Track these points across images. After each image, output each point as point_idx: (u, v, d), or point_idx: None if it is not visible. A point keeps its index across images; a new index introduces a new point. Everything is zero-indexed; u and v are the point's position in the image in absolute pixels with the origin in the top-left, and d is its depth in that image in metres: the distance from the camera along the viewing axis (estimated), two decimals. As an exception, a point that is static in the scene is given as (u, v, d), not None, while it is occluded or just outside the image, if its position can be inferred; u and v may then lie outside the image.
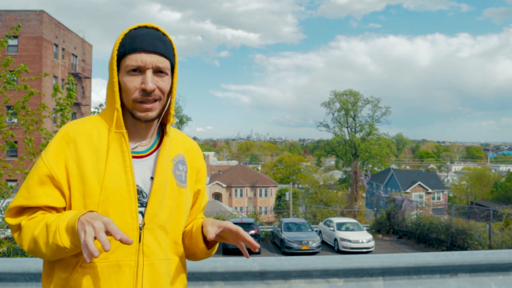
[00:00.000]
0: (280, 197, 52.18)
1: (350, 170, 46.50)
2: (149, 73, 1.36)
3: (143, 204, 1.40)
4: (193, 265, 3.10)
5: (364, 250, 19.04)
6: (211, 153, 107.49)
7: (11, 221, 1.38)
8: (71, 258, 1.34)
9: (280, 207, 46.24)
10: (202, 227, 1.50)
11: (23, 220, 1.36)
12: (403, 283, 3.37)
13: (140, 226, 1.38)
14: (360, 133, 56.30)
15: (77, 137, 1.39)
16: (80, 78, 39.14)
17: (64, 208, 1.38)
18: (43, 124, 5.73)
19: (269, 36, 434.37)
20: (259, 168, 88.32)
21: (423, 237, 21.59)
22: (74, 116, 35.84)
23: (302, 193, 52.42)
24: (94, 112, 5.97)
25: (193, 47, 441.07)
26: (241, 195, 54.79)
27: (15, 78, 5.60)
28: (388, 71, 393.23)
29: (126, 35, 1.39)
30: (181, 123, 60.32)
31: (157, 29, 1.41)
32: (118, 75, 1.40)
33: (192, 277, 3.15)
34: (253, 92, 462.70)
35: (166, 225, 1.43)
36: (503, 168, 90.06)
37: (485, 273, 3.47)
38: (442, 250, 19.19)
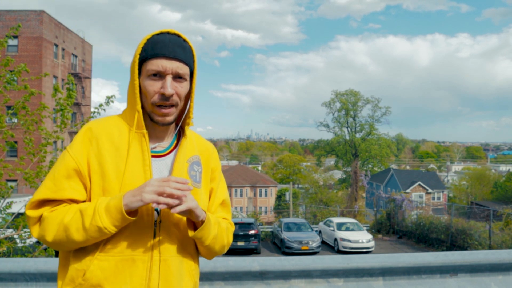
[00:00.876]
0: (280, 197, 52.17)
1: (350, 170, 46.52)
2: (168, 78, 1.42)
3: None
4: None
5: (364, 250, 19.04)
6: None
7: (33, 213, 1.41)
8: (87, 251, 1.39)
9: (280, 207, 46.23)
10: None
11: (45, 211, 1.40)
12: (403, 283, 3.37)
13: (156, 223, 1.43)
14: (360, 133, 56.30)
15: (100, 135, 1.45)
16: (80, 78, 39.14)
17: (84, 201, 1.43)
18: (43, 124, 5.73)
19: (269, 36, 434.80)
20: (259, 168, 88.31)
21: (423, 237, 21.59)
22: (74, 116, 35.87)
23: (302, 193, 52.43)
24: (94, 112, 5.97)
25: (193, 47, 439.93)
26: (241, 195, 54.79)
27: (15, 78, 5.60)
28: (388, 71, 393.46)
29: (148, 40, 1.44)
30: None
31: (178, 36, 1.47)
32: (139, 78, 1.46)
33: (192, 277, 3.15)
34: (253, 92, 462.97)
35: (180, 223, 1.48)
36: (503, 168, 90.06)
37: (485, 273, 3.47)
38: (442, 250, 19.19)
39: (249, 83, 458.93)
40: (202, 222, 1.46)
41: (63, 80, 36.41)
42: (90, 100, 41.97)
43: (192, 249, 1.55)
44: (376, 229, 25.28)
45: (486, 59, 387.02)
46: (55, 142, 5.63)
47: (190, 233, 1.46)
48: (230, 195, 54.62)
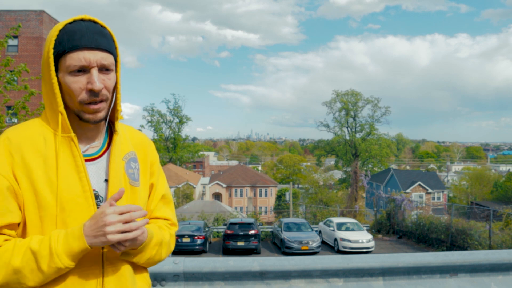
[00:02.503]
0: (280, 197, 52.17)
1: (350, 170, 46.49)
2: (94, 72, 1.27)
3: None
4: (193, 265, 3.10)
5: (364, 250, 19.04)
6: (211, 153, 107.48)
7: None
8: None
9: (280, 207, 46.24)
10: None
11: None
12: (403, 283, 3.37)
13: None
14: (360, 133, 56.33)
15: (21, 144, 1.28)
16: (80, 78, 39.17)
17: (18, 224, 1.28)
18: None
19: (269, 36, 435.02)
20: (259, 168, 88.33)
21: (423, 237, 21.58)
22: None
23: (302, 193, 52.45)
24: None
25: (193, 47, 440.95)
26: (241, 195, 54.77)
27: (15, 78, 5.60)
28: (388, 71, 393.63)
29: (61, 30, 1.27)
30: (181, 123, 60.34)
31: (95, 22, 1.31)
32: (57, 75, 1.30)
33: (192, 277, 3.15)
34: (253, 92, 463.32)
35: None
36: (503, 168, 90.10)
37: (485, 273, 3.47)
38: (442, 250, 19.19)
39: (249, 83, 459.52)
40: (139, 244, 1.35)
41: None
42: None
43: None
44: (376, 229, 25.28)
45: (486, 59, 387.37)
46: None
47: (124, 255, 1.36)
48: (230, 195, 54.63)
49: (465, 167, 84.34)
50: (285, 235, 19.21)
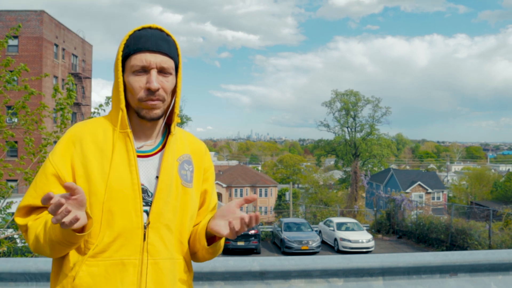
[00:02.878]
0: (280, 197, 52.15)
1: (350, 170, 46.49)
2: (153, 72, 1.37)
3: (148, 203, 1.41)
4: (193, 265, 3.10)
5: (364, 250, 19.04)
6: (211, 153, 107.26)
7: (20, 221, 1.40)
8: (76, 256, 1.36)
9: (280, 207, 46.20)
10: (208, 223, 1.49)
11: (30, 220, 1.39)
12: (403, 283, 3.37)
13: (145, 225, 1.39)
14: (360, 133, 56.28)
15: (83, 137, 1.41)
16: (80, 78, 39.13)
17: None
18: (43, 124, 5.73)
19: (270, 37, 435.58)
20: (259, 168, 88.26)
21: (423, 237, 21.58)
22: (74, 116, 35.87)
23: (302, 193, 52.42)
24: (94, 112, 5.97)
25: (194, 48, 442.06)
26: (241, 195, 54.75)
27: (15, 78, 5.60)
28: (387, 72, 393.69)
29: (130, 36, 1.41)
30: (181, 123, 60.39)
31: (161, 30, 1.43)
32: (123, 76, 1.42)
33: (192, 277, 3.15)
34: (253, 92, 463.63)
35: (171, 224, 1.44)
36: (503, 168, 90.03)
37: (485, 273, 3.47)
38: (442, 250, 19.18)
39: (249, 83, 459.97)
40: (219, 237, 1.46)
41: (63, 80, 36.40)
42: (90, 100, 41.94)
43: (184, 250, 1.50)
44: (376, 229, 25.28)
45: (484, 60, 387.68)
46: (55, 142, 5.62)
47: (203, 241, 1.47)
48: (230, 195, 54.71)
49: (465, 167, 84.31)
50: (285, 235, 19.21)
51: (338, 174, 66.23)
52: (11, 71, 5.60)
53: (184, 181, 1.48)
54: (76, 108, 37.61)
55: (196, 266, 3.13)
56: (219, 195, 55.08)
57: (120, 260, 1.35)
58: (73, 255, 1.36)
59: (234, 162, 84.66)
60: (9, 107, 6.06)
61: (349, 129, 56.82)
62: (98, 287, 1.33)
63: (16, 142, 5.90)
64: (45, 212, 1.39)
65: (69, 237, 1.27)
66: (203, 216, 1.59)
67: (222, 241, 1.53)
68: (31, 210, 1.41)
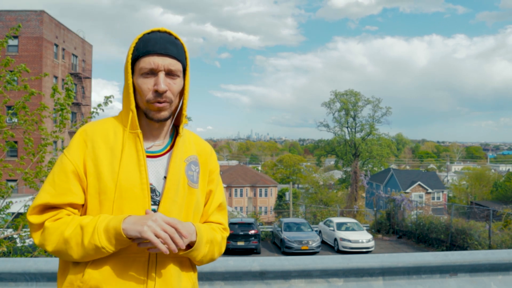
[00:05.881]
0: (280, 197, 52.15)
1: (350, 170, 46.48)
2: (161, 75, 1.41)
3: (156, 203, 1.45)
4: (193, 265, 3.10)
5: (364, 250, 19.04)
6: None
7: (35, 219, 1.40)
8: None
9: (280, 207, 46.20)
10: None
11: (47, 220, 1.39)
12: (403, 283, 3.37)
13: None
14: (360, 133, 56.25)
15: (95, 136, 1.44)
16: (80, 78, 39.13)
17: (82, 206, 1.43)
18: (43, 124, 5.72)
19: (270, 38, 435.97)
20: (259, 168, 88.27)
21: (423, 237, 21.58)
22: (73, 116, 35.85)
23: (302, 193, 52.44)
24: (93, 112, 5.96)
25: (194, 48, 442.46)
26: (241, 195, 54.75)
27: (15, 78, 5.60)
28: (386, 72, 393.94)
29: (140, 39, 1.44)
30: (181, 123, 60.22)
31: (169, 33, 1.47)
32: (132, 78, 1.45)
33: (192, 277, 3.15)
34: (253, 92, 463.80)
35: None
36: (503, 168, 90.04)
37: (485, 273, 3.47)
38: (442, 250, 19.18)
39: (249, 83, 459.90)
40: (193, 243, 1.43)
41: (63, 80, 36.38)
42: (90, 100, 41.93)
43: None
44: (376, 229, 25.27)
45: (483, 60, 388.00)
46: (55, 142, 5.63)
47: (180, 251, 1.43)
48: (230, 195, 54.64)
49: (465, 167, 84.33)
50: (285, 235, 19.21)
51: (338, 174, 66.23)
52: (11, 71, 5.60)
53: (190, 181, 1.52)
54: (76, 108, 37.61)
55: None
56: (219, 195, 54.95)
57: (128, 257, 1.38)
58: None
59: (234, 162, 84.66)
60: (9, 107, 6.06)
61: (349, 129, 56.79)
62: (106, 282, 1.36)
63: (16, 142, 5.89)
64: (65, 213, 1.39)
65: (119, 244, 1.32)
66: (206, 215, 1.62)
67: (198, 251, 1.47)
68: (44, 209, 1.41)
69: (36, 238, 1.40)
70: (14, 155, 19.04)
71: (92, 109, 5.93)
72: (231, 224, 19.05)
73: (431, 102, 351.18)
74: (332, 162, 76.41)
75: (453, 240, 19.25)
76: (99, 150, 1.42)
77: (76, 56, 40.06)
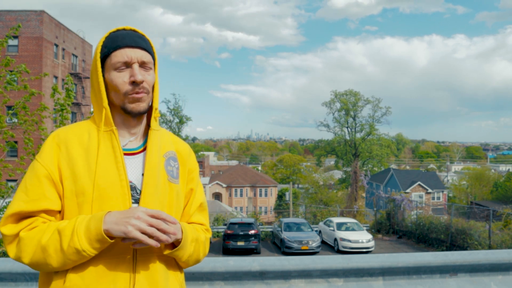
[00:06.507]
0: (280, 197, 52.15)
1: (350, 170, 46.45)
2: (135, 66, 1.40)
3: (137, 201, 1.40)
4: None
5: (364, 250, 19.03)
6: (211, 153, 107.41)
7: (9, 230, 1.32)
8: None
9: (280, 207, 46.20)
10: None
11: (22, 230, 1.32)
12: (403, 283, 3.37)
13: None
14: (360, 133, 56.25)
15: (68, 139, 1.40)
16: (80, 78, 39.14)
17: (59, 212, 1.37)
18: (44, 124, 5.73)
19: (270, 38, 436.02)
20: (259, 168, 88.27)
21: (423, 237, 21.58)
22: (74, 116, 35.85)
23: (302, 193, 52.41)
24: (93, 111, 5.96)
25: (194, 48, 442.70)
26: (241, 195, 54.75)
27: (15, 78, 5.60)
28: (386, 72, 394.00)
29: (107, 37, 1.43)
30: (181, 123, 60.19)
31: (135, 31, 1.47)
32: (103, 76, 1.43)
33: (192, 277, 3.16)
34: (253, 92, 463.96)
35: None
36: (503, 168, 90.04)
37: (485, 273, 3.47)
38: (442, 250, 19.18)
39: (249, 83, 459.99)
40: (178, 242, 1.40)
41: (63, 80, 36.38)
42: (90, 100, 41.91)
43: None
44: (376, 229, 25.26)
45: (483, 60, 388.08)
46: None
47: (165, 251, 1.39)
48: (230, 195, 54.64)
49: (465, 167, 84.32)
50: (285, 235, 19.20)
51: (338, 174, 66.20)
52: (11, 71, 5.60)
53: (170, 177, 1.48)
54: (76, 108, 37.61)
55: (196, 266, 3.13)
56: (219, 195, 55.04)
57: (111, 259, 1.33)
58: None
59: (234, 162, 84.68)
60: (9, 107, 6.06)
61: (349, 129, 56.79)
62: (90, 287, 1.30)
63: (16, 142, 5.89)
64: (40, 221, 1.33)
65: (100, 245, 1.27)
66: (188, 215, 1.58)
67: (184, 250, 1.44)
68: (19, 218, 1.33)
69: (11, 251, 1.31)
70: (14, 155, 19.02)
71: (92, 109, 5.93)
72: (231, 224, 19.05)
73: (431, 102, 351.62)
74: (332, 162, 76.42)
75: (453, 240, 19.24)
76: (73, 152, 1.37)
77: (76, 56, 40.06)
